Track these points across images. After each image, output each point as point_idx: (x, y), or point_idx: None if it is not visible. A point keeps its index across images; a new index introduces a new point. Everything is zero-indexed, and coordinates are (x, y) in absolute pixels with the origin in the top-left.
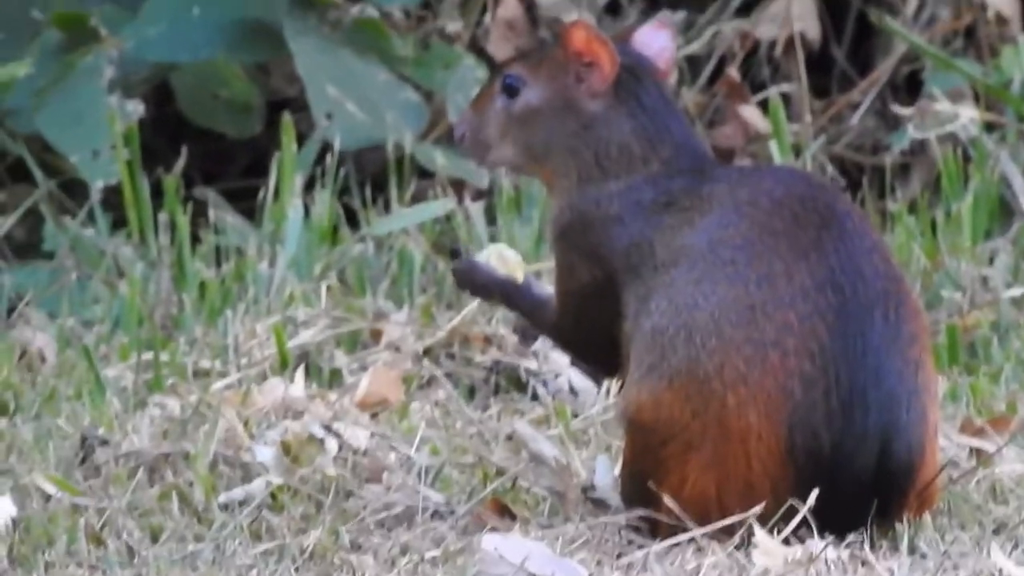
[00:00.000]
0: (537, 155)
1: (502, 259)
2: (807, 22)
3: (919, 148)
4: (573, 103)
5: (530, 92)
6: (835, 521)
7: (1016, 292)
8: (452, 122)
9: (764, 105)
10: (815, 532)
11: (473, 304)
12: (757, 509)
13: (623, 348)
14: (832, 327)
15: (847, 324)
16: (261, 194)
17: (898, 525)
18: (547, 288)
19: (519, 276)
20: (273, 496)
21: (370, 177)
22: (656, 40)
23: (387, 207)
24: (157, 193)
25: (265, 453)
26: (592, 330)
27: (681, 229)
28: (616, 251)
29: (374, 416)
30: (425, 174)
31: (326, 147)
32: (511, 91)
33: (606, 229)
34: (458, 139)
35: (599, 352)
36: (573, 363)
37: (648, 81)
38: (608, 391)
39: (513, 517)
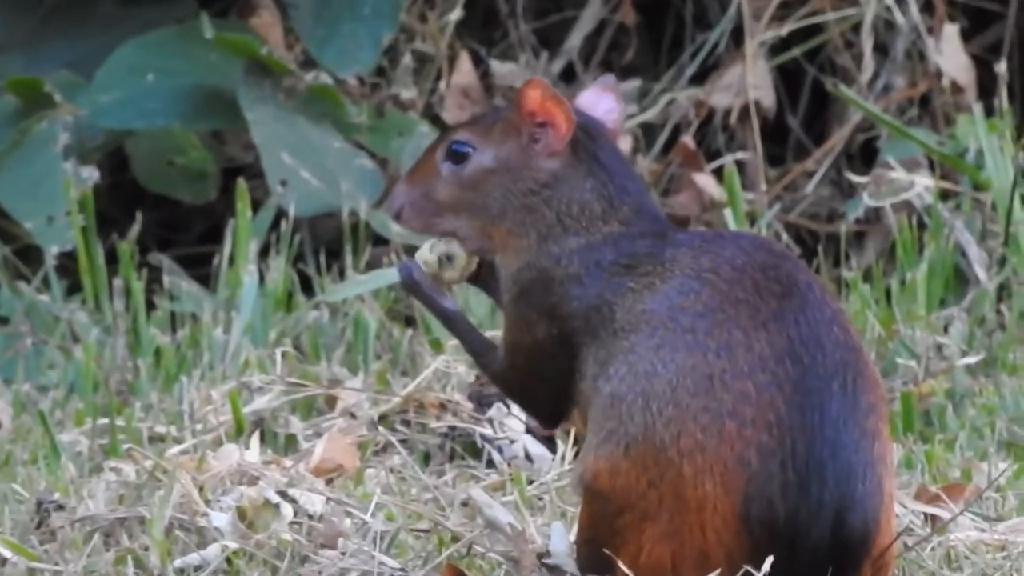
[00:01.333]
0: (493, 217)
1: (448, 254)
2: (762, 91)
3: (874, 216)
4: (529, 163)
5: (481, 155)
6: None
7: (971, 360)
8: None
9: (719, 173)
10: None
11: (428, 371)
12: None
13: (578, 406)
14: (790, 398)
15: (805, 395)
16: (216, 260)
17: None
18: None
19: (471, 268)
20: (229, 561)
21: (325, 244)
22: (601, 103)
23: (342, 274)
24: (112, 259)
25: (221, 518)
26: (540, 383)
27: (642, 294)
28: (575, 311)
29: (329, 482)
30: (380, 241)
31: (281, 214)
32: (458, 157)
33: (566, 288)
34: (395, 213)
35: (544, 404)
36: (528, 431)
37: (603, 140)
38: (564, 458)
39: None
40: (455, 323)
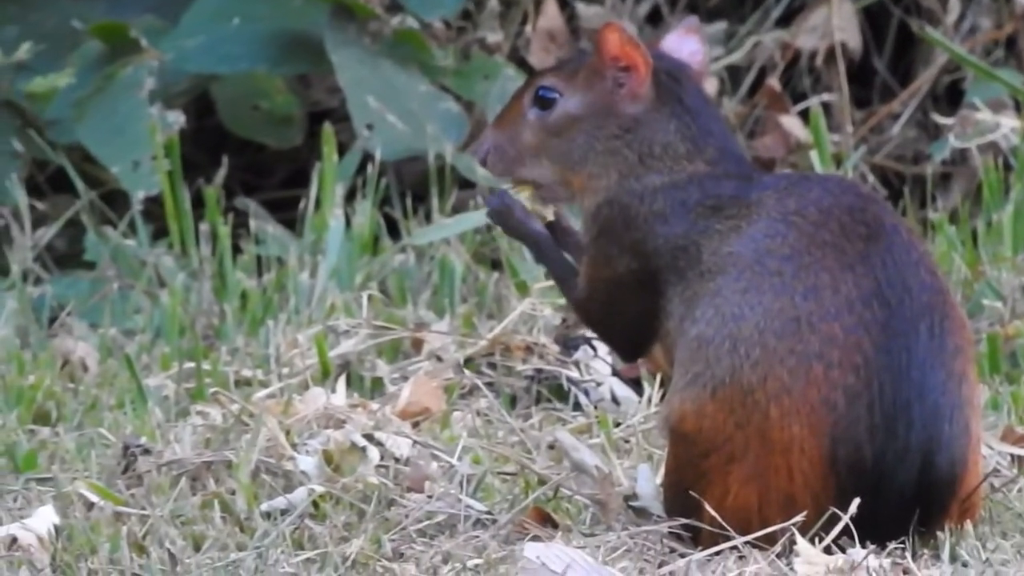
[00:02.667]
0: (573, 163)
1: (532, 197)
2: (848, 32)
3: (960, 158)
4: (613, 108)
5: (567, 102)
6: (877, 531)
7: None
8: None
9: (805, 115)
10: (857, 541)
11: (514, 314)
12: (799, 518)
13: (662, 346)
14: (877, 340)
15: (892, 337)
16: (302, 205)
17: (940, 534)
18: (579, 242)
19: (548, 213)
20: (315, 505)
21: (411, 188)
22: (685, 45)
23: (428, 218)
24: (198, 204)
25: (307, 462)
26: (620, 317)
27: (728, 236)
28: (661, 249)
29: (416, 425)
30: (465, 184)
31: (367, 158)
32: (545, 103)
33: (650, 226)
34: (481, 158)
35: (623, 337)
36: (615, 373)
37: (687, 83)
38: (650, 401)
39: (555, 526)
40: (543, 248)
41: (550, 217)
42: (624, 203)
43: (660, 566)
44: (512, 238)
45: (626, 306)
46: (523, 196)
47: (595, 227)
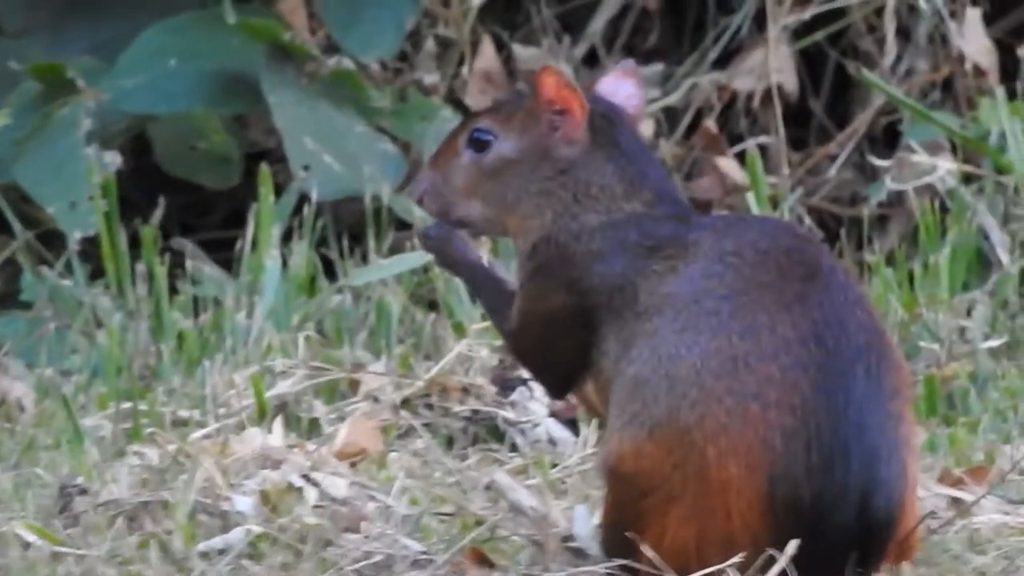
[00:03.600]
0: (508, 205)
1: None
2: (785, 74)
3: (897, 200)
4: (549, 151)
5: (502, 144)
6: (815, 572)
7: (994, 343)
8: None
9: (742, 157)
10: None
11: (451, 355)
12: (738, 559)
13: (595, 383)
14: (814, 380)
15: (830, 378)
16: (239, 245)
17: (877, 575)
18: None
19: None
20: (253, 545)
21: (348, 228)
22: (621, 88)
23: (365, 258)
24: (135, 244)
25: (244, 502)
26: (552, 352)
27: (665, 276)
28: (597, 288)
29: (353, 466)
30: (402, 225)
31: (304, 198)
32: (480, 145)
33: (588, 264)
34: (418, 198)
35: (553, 372)
36: (551, 414)
37: (623, 127)
38: (586, 441)
39: (492, 566)
40: (479, 277)
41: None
42: (561, 242)
43: None
44: (448, 270)
45: (559, 341)
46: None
47: (531, 264)
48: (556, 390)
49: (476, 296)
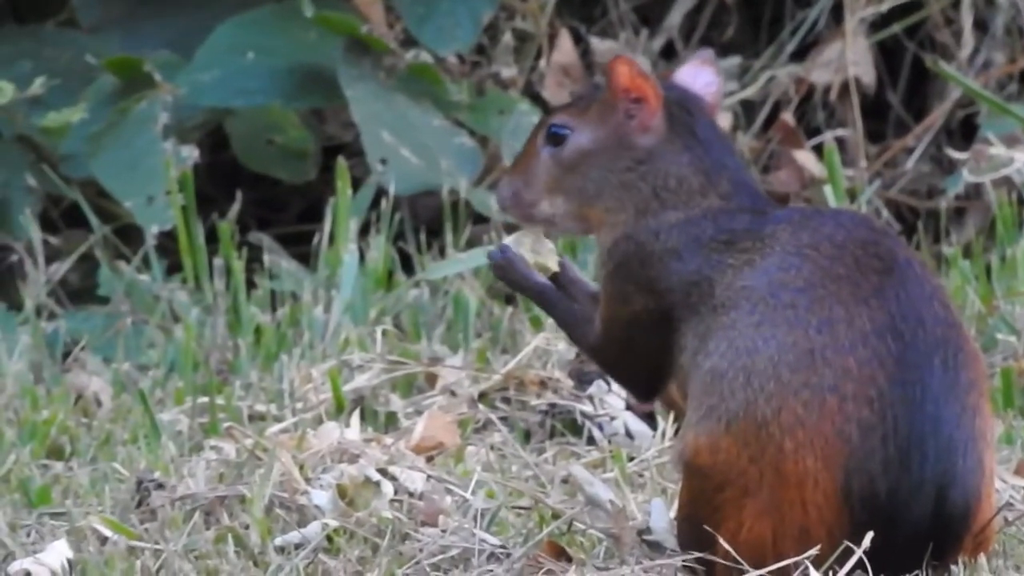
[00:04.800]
0: (589, 198)
1: (535, 244)
2: (862, 67)
3: (974, 192)
4: (625, 140)
5: (579, 136)
6: (891, 564)
7: None
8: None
9: (819, 150)
10: (870, 574)
11: (529, 348)
12: (813, 551)
13: (676, 381)
14: (891, 373)
15: (906, 371)
16: (316, 239)
17: (954, 568)
18: (586, 291)
19: (552, 264)
20: (329, 539)
21: (425, 222)
22: (699, 77)
23: (442, 252)
24: (212, 238)
25: (321, 496)
26: (637, 357)
27: (742, 270)
28: (675, 286)
29: (430, 460)
30: (480, 219)
31: (381, 192)
32: (557, 139)
33: (664, 263)
34: (501, 204)
35: (639, 377)
36: (628, 408)
37: (700, 115)
38: (664, 435)
39: (569, 560)
40: (548, 298)
41: (554, 268)
42: (640, 240)
43: None
44: (516, 291)
45: (642, 345)
46: (524, 250)
47: (611, 263)
48: (644, 395)
49: (549, 315)
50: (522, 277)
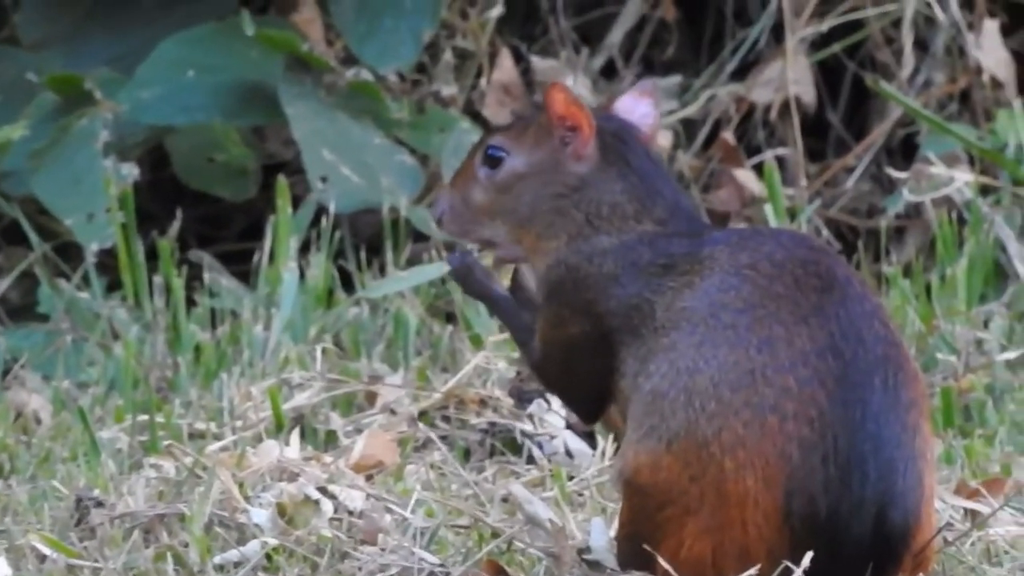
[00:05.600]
0: (522, 220)
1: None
2: (802, 86)
3: (914, 212)
4: (560, 166)
5: (515, 159)
6: None
7: (1011, 355)
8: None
9: (759, 169)
10: None
11: (469, 367)
12: (753, 571)
13: (616, 405)
14: (832, 392)
15: (847, 390)
16: (256, 257)
17: None
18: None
19: (505, 278)
20: (269, 558)
21: (365, 240)
22: (637, 107)
23: (382, 270)
24: (152, 256)
25: (260, 515)
26: (578, 379)
27: (682, 292)
28: (614, 309)
29: (369, 478)
30: (420, 237)
31: (321, 210)
32: (493, 161)
33: (602, 288)
34: (437, 218)
35: (582, 398)
36: (568, 427)
37: (634, 144)
38: (604, 454)
39: None
40: (504, 309)
41: (507, 281)
42: (573, 264)
43: None
44: (472, 298)
45: (582, 368)
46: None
47: (546, 288)
48: (587, 416)
49: (503, 324)
50: (480, 283)
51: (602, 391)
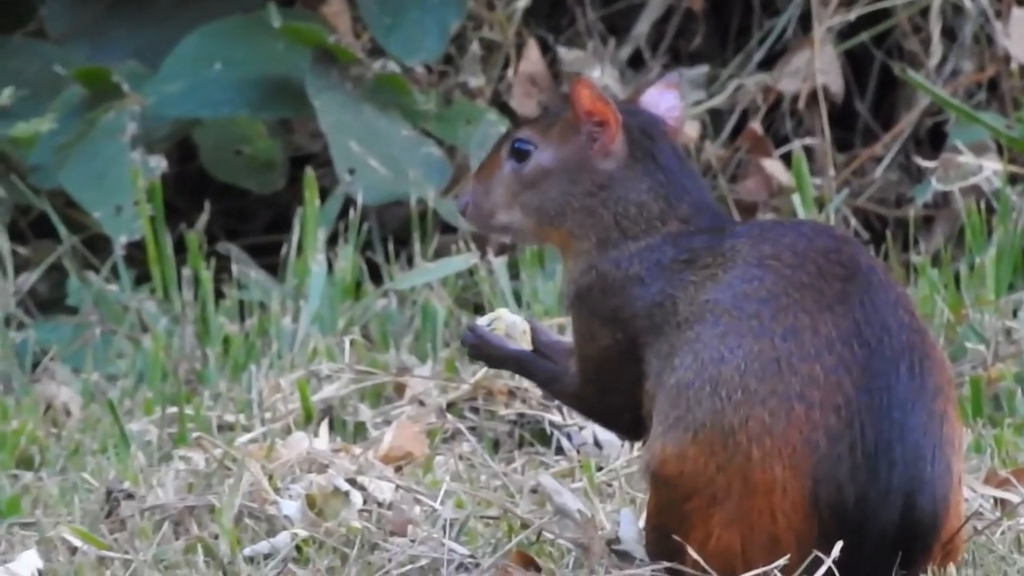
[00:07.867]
0: (551, 217)
1: (509, 327)
2: (830, 76)
3: (942, 201)
4: (587, 163)
5: (541, 154)
6: (860, 573)
7: None
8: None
9: (787, 159)
10: None
11: None
12: (782, 561)
13: (645, 408)
14: (857, 380)
15: (872, 378)
16: (284, 249)
17: None
18: (560, 349)
19: (526, 343)
20: (298, 549)
21: (393, 232)
22: (663, 100)
23: (410, 262)
24: (180, 249)
25: (290, 506)
26: (616, 395)
27: (704, 285)
28: (638, 312)
29: (398, 470)
30: (448, 229)
31: (349, 202)
32: (520, 155)
33: (626, 290)
34: (461, 209)
35: (623, 417)
36: None
37: (661, 140)
38: (632, 445)
39: (538, 569)
40: (525, 363)
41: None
42: (603, 271)
43: None
44: (494, 367)
45: (616, 380)
46: (498, 330)
47: (573, 289)
48: (629, 433)
49: (529, 380)
50: (497, 349)
51: (639, 403)
